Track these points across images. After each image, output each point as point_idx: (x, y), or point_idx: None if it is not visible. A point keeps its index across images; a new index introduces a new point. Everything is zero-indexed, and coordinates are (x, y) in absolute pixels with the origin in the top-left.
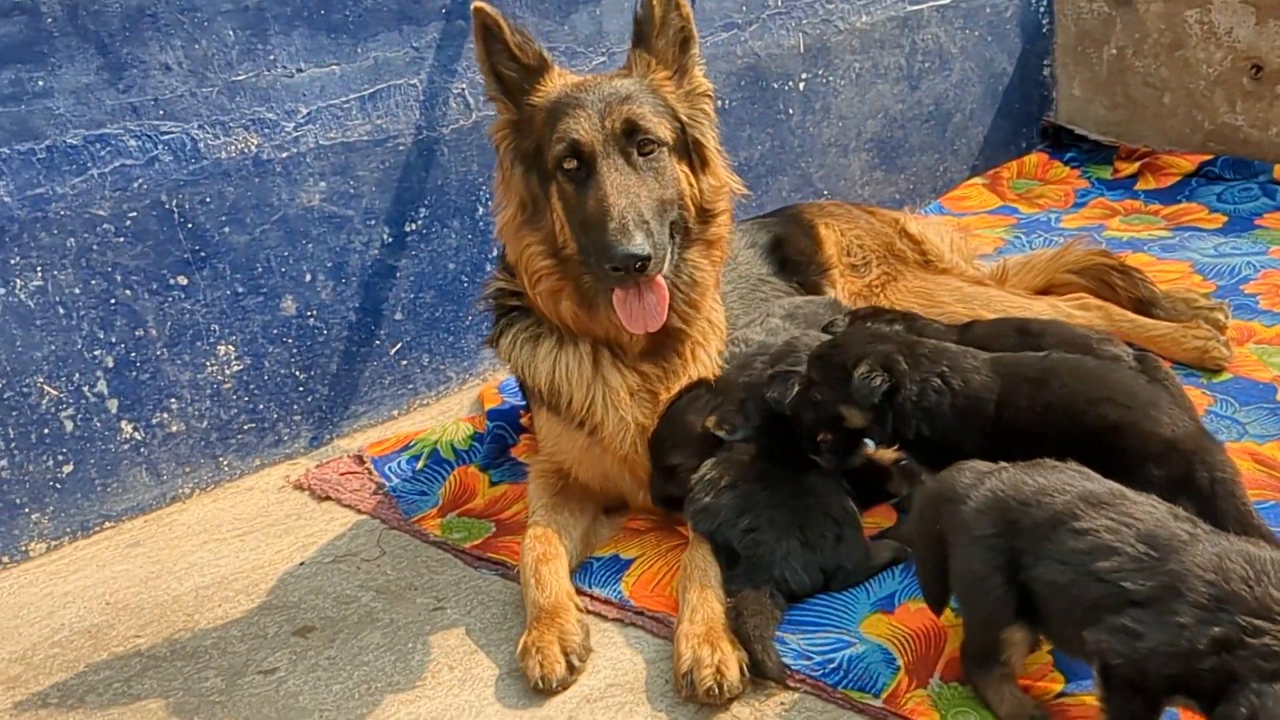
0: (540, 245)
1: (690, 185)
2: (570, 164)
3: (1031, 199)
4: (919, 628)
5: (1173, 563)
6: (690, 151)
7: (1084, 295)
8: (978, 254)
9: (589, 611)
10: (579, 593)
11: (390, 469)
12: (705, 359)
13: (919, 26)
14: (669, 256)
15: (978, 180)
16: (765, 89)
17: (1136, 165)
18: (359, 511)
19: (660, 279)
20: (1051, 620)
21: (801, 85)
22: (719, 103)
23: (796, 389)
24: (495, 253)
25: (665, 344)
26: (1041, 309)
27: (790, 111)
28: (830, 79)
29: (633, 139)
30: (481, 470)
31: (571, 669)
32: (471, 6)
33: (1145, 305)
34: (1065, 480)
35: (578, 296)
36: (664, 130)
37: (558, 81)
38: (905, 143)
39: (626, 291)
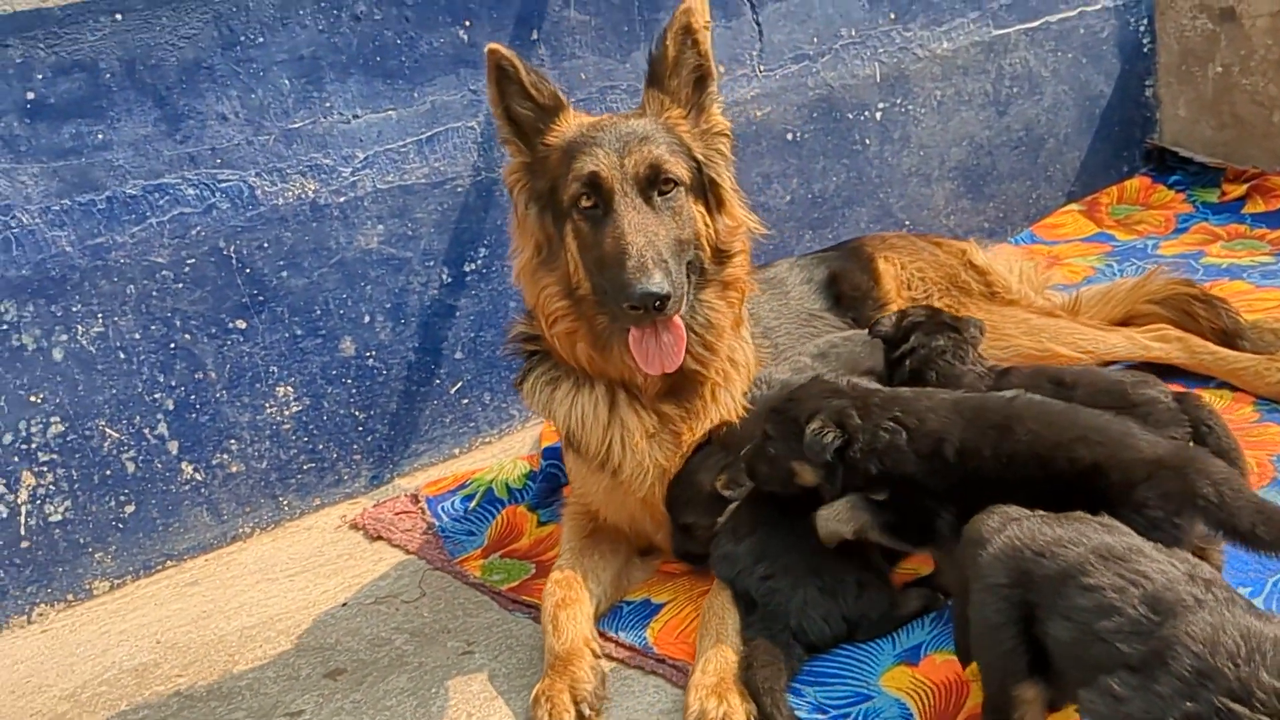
0: (555, 286)
1: (706, 225)
2: (587, 202)
3: (1130, 225)
4: (941, 680)
5: (1168, 628)
6: (706, 191)
7: (1164, 326)
8: (1051, 284)
9: (612, 658)
10: (604, 638)
11: (443, 508)
12: (728, 400)
13: (1006, 51)
14: (685, 297)
15: (1074, 207)
16: (840, 119)
17: (1244, 187)
18: (407, 552)
19: (677, 319)
20: (1064, 678)
21: (879, 115)
22: (790, 135)
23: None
24: None
25: (683, 386)
26: (1116, 342)
27: (867, 141)
28: (910, 107)
29: (652, 180)
30: (531, 510)
31: (581, 718)
32: (486, 49)
33: (1230, 336)
34: (1083, 532)
35: (592, 337)
36: (682, 170)
37: (573, 121)
38: (993, 170)
39: (643, 332)
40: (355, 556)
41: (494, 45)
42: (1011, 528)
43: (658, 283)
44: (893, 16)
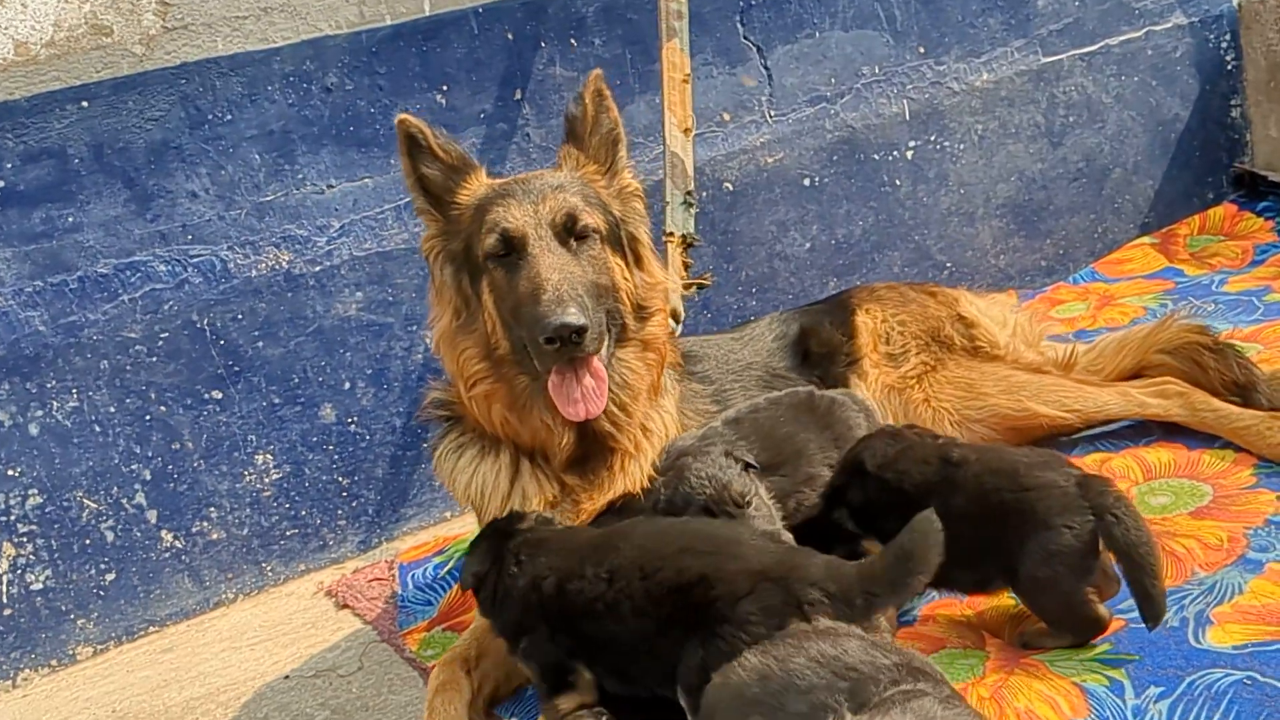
0: (474, 349)
1: (625, 279)
2: (502, 251)
3: (1204, 259)
4: None
5: None
6: (624, 247)
7: (1169, 380)
8: (1046, 336)
9: None
10: None
11: (414, 576)
12: (636, 472)
13: (1058, 78)
14: (606, 342)
15: (1146, 240)
16: (864, 161)
17: None
18: (365, 621)
19: (598, 364)
20: None
21: (910, 154)
22: (807, 180)
23: None
24: None
25: (592, 453)
26: (1108, 399)
27: (897, 182)
28: (945, 144)
29: (569, 227)
30: None
31: None
32: (395, 120)
33: (1243, 389)
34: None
35: (510, 399)
36: (598, 220)
37: (484, 181)
38: (1049, 205)
39: (563, 376)
40: (319, 625)
41: (403, 115)
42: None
43: (573, 314)
44: (922, 50)
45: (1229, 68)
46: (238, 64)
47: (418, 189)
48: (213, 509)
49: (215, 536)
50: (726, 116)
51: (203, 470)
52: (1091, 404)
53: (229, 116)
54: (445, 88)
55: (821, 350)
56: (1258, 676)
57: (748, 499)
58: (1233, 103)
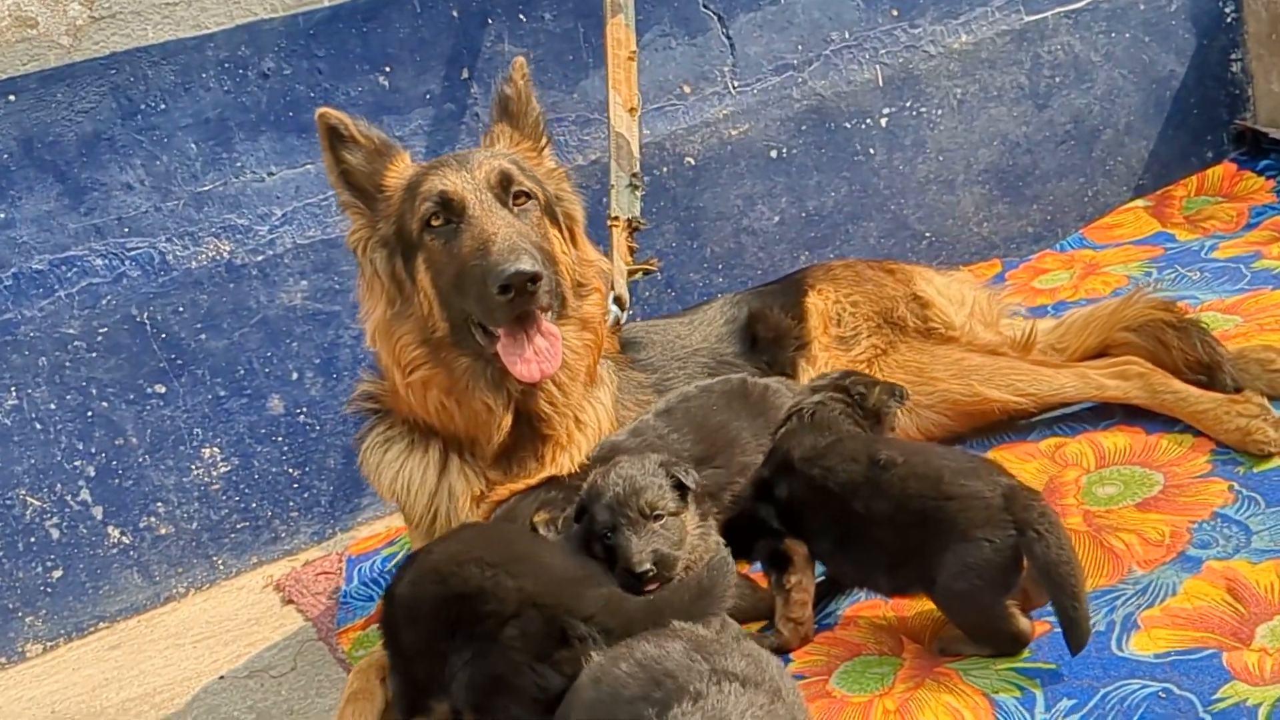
0: (411, 335)
1: (564, 253)
2: (439, 220)
3: (1198, 222)
4: None
5: None
6: (561, 223)
7: (1132, 360)
8: (1007, 314)
9: None
10: None
11: (360, 570)
12: (566, 462)
13: (1042, 38)
14: (548, 315)
15: (1139, 203)
16: (835, 130)
17: None
18: (307, 618)
19: (549, 324)
20: None
21: (884, 121)
22: (774, 152)
23: None
24: None
25: (525, 439)
26: (1065, 381)
27: (871, 151)
28: (922, 110)
29: (505, 188)
30: None
31: None
32: (316, 113)
33: (1208, 369)
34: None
35: (449, 383)
36: (535, 188)
37: (409, 164)
38: (1035, 170)
39: (514, 336)
40: (263, 621)
41: (323, 109)
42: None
43: (528, 261)
44: (895, 14)
45: (1228, 20)
46: (169, 52)
47: (342, 183)
48: (160, 504)
49: (163, 531)
50: (687, 89)
51: (148, 465)
52: (1047, 387)
53: (162, 106)
54: (388, 69)
55: (769, 335)
56: (1174, 689)
57: (657, 513)
58: (1232, 57)
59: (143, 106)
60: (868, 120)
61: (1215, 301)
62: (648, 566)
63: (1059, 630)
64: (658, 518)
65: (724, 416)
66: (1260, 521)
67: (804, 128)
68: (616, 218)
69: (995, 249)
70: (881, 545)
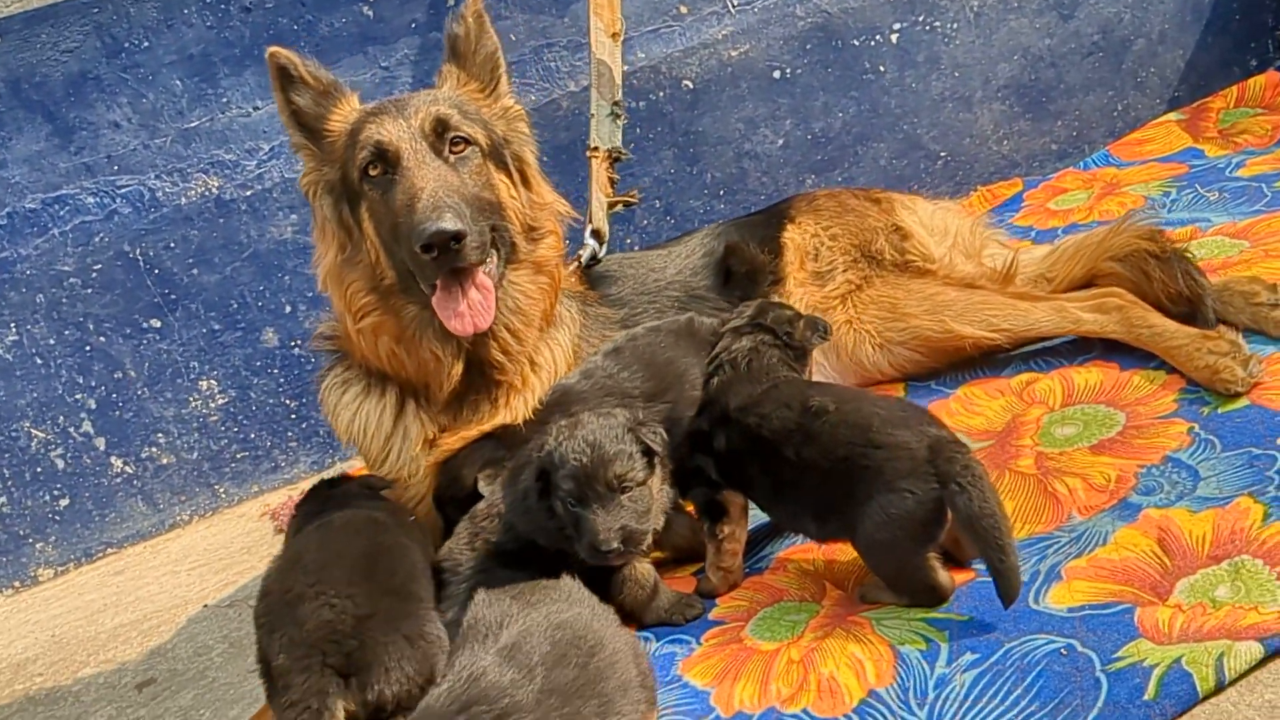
0: (360, 282)
1: (512, 197)
2: (376, 170)
3: (1231, 136)
4: None
5: None
6: (510, 166)
7: (1113, 293)
8: (989, 246)
9: None
10: None
11: None
12: (520, 406)
13: None
14: (495, 262)
15: (1172, 116)
16: (843, 49)
17: None
18: None
19: (483, 276)
20: None
21: (895, 37)
22: (777, 73)
23: None
24: None
25: (478, 384)
26: (1041, 316)
27: (881, 69)
28: (936, 24)
29: (441, 135)
30: None
31: None
32: (267, 51)
33: (1190, 302)
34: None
35: (398, 330)
36: (476, 132)
37: (355, 106)
38: (1059, 84)
39: (449, 290)
40: (254, 550)
41: (273, 48)
42: None
43: (450, 219)
44: None
45: None
46: None
47: (293, 124)
48: (160, 435)
49: (165, 461)
50: (684, 9)
51: (147, 398)
52: (1022, 322)
53: (146, 43)
54: None
55: (743, 269)
56: (1077, 645)
57: (625, 485)
58: None
59: (126, 44)
60: (877, 36)
61: (1227, 225)
62: (615, 545)
63: (982, 579)
64: (625, 489)
65: (672, 353)
66: (1211, 467)
67: (809, 46)
68: (596, 148)
69: (1016, 168)
70: (811, 492)
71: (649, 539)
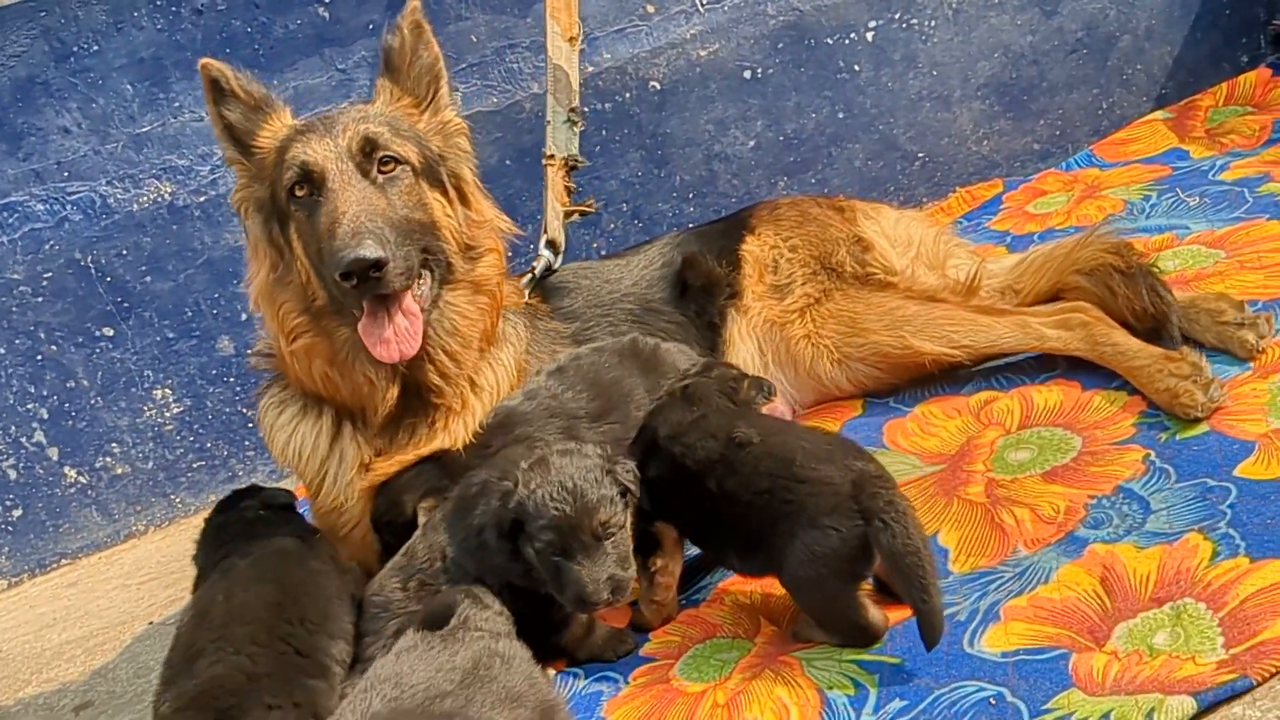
0: (291, 302)
1: (448, 216)
2: (302, 190)
3: (1217, 136)
4: None
5: None
6: (446, 183)
7: (1079, 308)
8: (954, 257)
9: None
10: None
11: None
12: (461, 431)
13: None
14: (427, 284)
15: (1159, 115)
16: (815, 47)
17: None
18: None
19: (410, 302)
20: None
21: (870, 35)
22: (748, 73)
23: None
24: None
25: (416, 407)
26: (1004, 331)
27: (856, 68)
28: (913, 21)
29: (369, 155)
30: None
31: None
32: (199, 64)
33: (1155, 319)
34: None
35: (330, 353)
36: (407, 151)
37: (287, 122)
38: (1041, 82)
39: (374, 316)
40: None
41: (205, 60)
42: None
43: (370, 245)
44: None
45: None
46: None
47: (226, 137)
48: (114, 444)
49: (120, 471)
50: (651, 8)
51: (100, 407)
52: (984, 338)
53: (95, 47)
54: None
55: (699, 283)
56: (1006, 694)
57: (609, 532)
58: None
59: (75, 49)
60: (851, 35)
61: (1205, 233)
62: (605, 597)
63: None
64: (609, 535)
65: (617, 373)
66: (1163, 499)
67: (780, 45)
68: (552, 156)
69: (997, 168)
70: (733, 527)
71: (630, 585)
